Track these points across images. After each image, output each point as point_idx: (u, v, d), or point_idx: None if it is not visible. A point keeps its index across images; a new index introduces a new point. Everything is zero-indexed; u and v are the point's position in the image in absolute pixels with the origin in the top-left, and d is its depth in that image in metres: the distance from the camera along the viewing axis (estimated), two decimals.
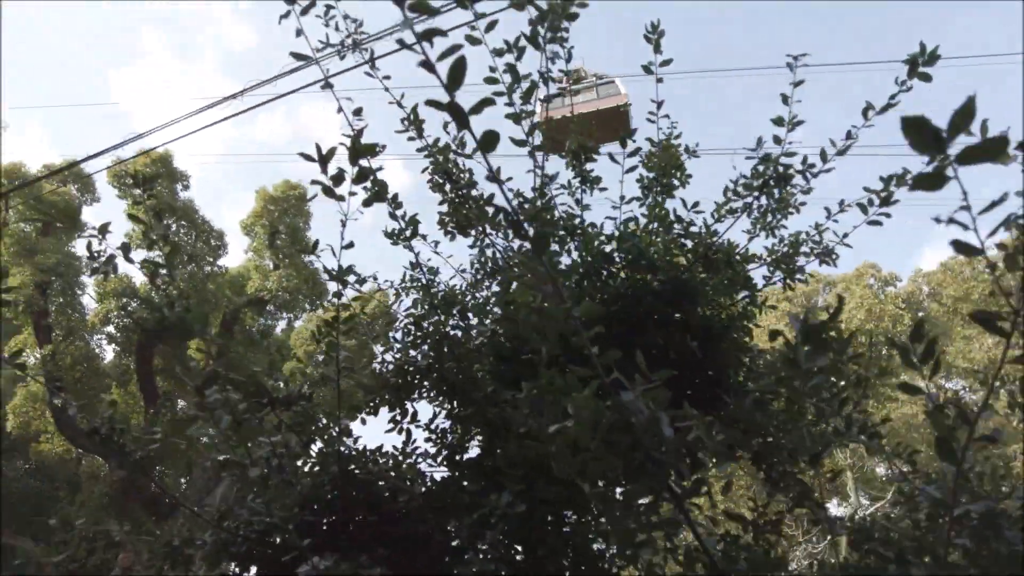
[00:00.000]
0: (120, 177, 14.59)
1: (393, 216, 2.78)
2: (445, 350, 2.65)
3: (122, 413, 17.46)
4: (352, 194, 1.93)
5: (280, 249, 15.56)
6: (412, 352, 2.76)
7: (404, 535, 2.33)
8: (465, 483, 2.54)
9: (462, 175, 2.71)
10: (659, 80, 2.97)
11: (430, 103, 1.14)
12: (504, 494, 2.15)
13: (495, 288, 2.96)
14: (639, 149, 2.94)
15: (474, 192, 2.76)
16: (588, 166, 3.00)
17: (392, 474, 2.41)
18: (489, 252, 3.04)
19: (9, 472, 17.49)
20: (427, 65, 1.05)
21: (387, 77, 2.91)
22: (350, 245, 2.24)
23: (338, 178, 1.77)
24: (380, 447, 2.69)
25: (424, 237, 2.89)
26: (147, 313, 14.86)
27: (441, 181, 2.78)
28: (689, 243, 2.77)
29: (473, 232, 2.91)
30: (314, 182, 1.81)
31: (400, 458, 2.60)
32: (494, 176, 1.23)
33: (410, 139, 2.88)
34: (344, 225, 2.13)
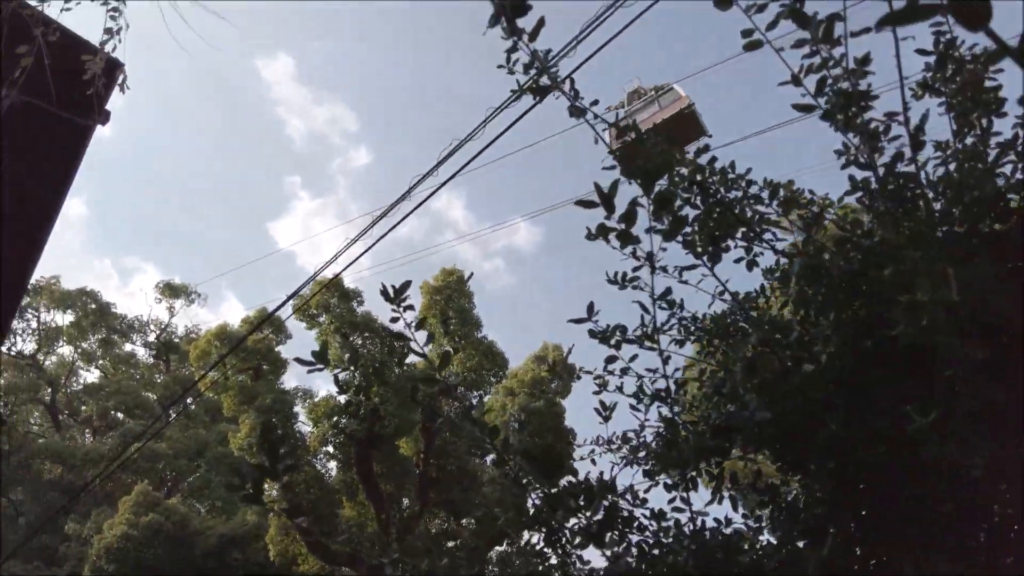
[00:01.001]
0: (304, 311, 16.08)
1: (689, 244, 2.42)
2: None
3: (358, 523, 18.68)
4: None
5: (455, 333, 16.16)
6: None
7: None
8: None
9: (709, 181, 2.44)
10: None
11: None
12: None
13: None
14: None
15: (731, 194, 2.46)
16: None
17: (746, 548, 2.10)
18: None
19: None
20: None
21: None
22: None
23: (630, 216, 1.57)
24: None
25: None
26: (357, 426, 15.93)
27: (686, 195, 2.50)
28: None
29: (734, 240, 2.58)
30: (601, 230, 1.62)
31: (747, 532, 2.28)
32: None
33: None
34: (653, 263, 1.92)
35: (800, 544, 2.44)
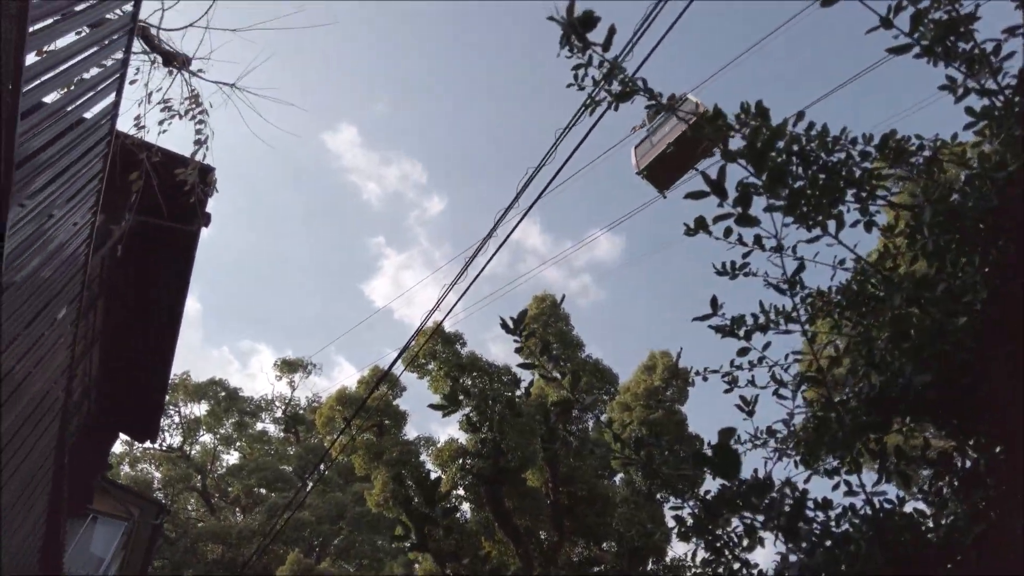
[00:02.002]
0: (413, 363, 16.57)
1: (802, 217, 2.27)
2: None
3: (500, 561, 18.76)
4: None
5: (559, 358, 16.12)
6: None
7: None
8: None
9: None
10: None
11: None
12: None
13: None
14: None
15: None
16: None
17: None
18: None
19: None
20: None
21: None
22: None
23: (746, 199, 1.52)
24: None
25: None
26: (483, 464, 16.12)
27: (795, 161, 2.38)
28: None
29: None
30: (699, 223, 1.58)
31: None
32: None
33: None
34: (780, 242, 1.85)
35: (992, 514, 2.22)
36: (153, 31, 7.28)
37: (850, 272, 2.90)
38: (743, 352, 2.58)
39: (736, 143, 2.48)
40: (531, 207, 5.29)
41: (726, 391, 3.06)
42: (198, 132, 7.70)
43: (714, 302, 2.45)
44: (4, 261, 4.15)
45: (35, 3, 3.30)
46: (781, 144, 2.44)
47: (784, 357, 3.01)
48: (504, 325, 2.26)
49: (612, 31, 1.88)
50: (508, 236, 6.22)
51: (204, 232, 9.82)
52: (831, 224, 2.22)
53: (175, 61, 7.51)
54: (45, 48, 3.78)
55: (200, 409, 37.45)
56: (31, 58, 3.47)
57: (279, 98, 9.32)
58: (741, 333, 2.54)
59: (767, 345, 2.61)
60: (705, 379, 3.36)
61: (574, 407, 16.93)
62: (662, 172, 12.08)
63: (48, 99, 4.23)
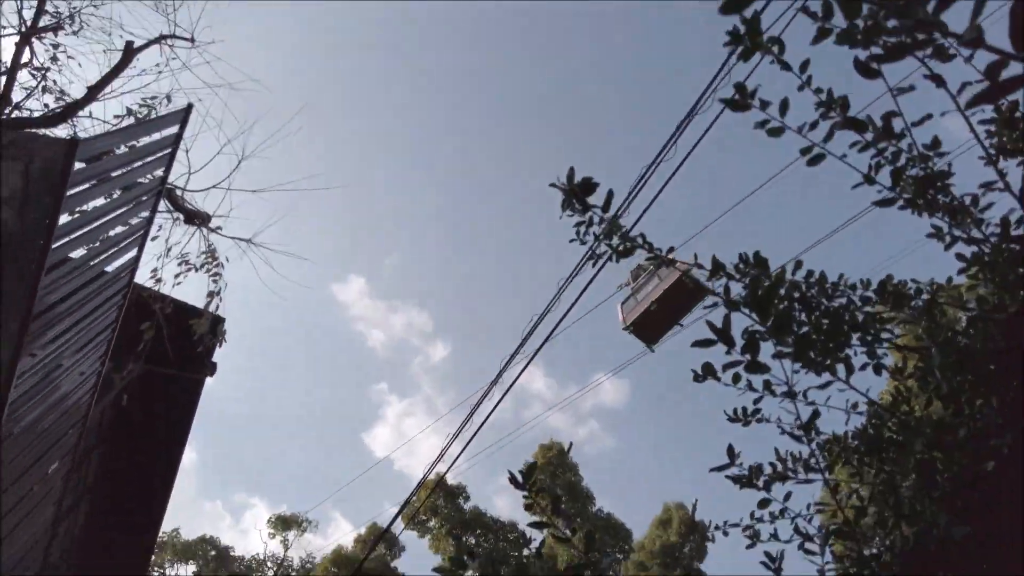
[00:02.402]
0: (413, 519, 15.74)
1: (810, 362, 2.30)
2: None
3: None
4: None
5: (568, 510, 15.30)
6: None
7: None
8: None
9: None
10: None
11: None
12: None
13: None
14: None
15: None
16: None
17: None
18: None
19: None
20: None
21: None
22: None
23: (753, 346, 1.53)
24: None
25: None
26: None
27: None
28: None
29: None
30: (707, 369, 1.58)
31: None
32: None
33: None
34: (792, 389, 1.83)
35: None
36: (178, 192, 7.79)
37: (864, 416, 2.84)
38: (764, 504, 2.45)
39: (734, 287, 2.55)
40: (536, 353, 5.33)
41: (748, 546, 2.87)
42: (214, 283, 7.96)
43: (731, 451, 2.38)
44: (5, 412, 4.11)
45: (77, 169, 3.57)
46: (782, 291, 2.51)
47: (806, 507, 2.86)
48: (513, 480, 2.17)
49: (610, 195, 2.02)
50: (513, 382, 6.18)
51: (208, 380, 9.79)
52: (840, 368, 2.21)
53: (196, 219, 7.95)
54: (79, 208, 4.02)
55: (187, 571, 34.98)
56: (64, 217, 3.68)
57: (293, 253, 9.72)
58: (760, 483, 2.43)
59: (788, 496, 2.49)
60: (725, 534, 3.17)
61: (589, 571, 15.75)
62: (648, 327, 12.70)
63: (74, 254, 4.42)
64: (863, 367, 2.73)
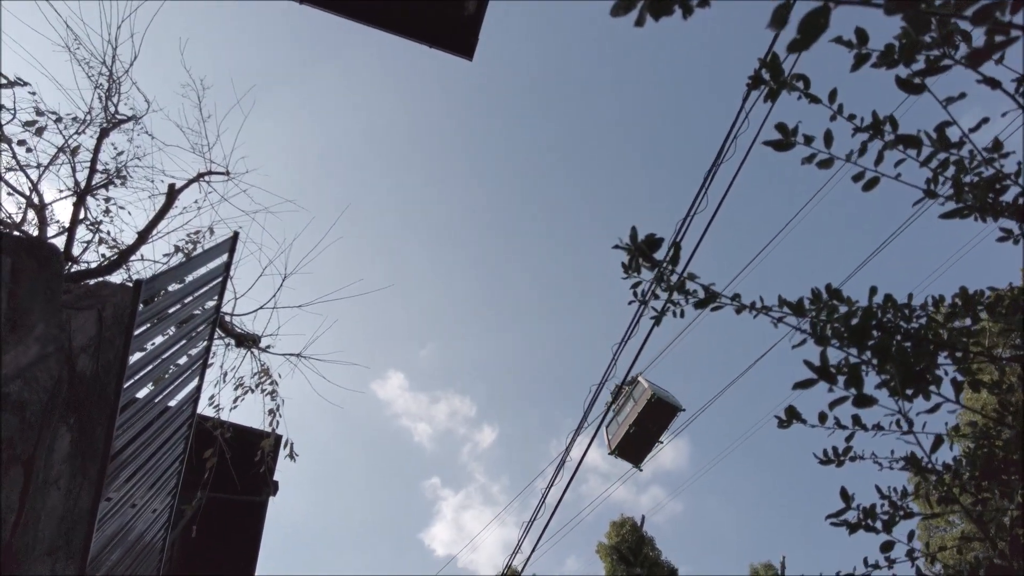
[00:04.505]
0: None
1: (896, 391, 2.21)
2: None
3: None
4: None
5: None
6: None
7: None
8: None
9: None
10: None
11: None
12: None
13: None
14: None
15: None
16: None
17: None
18: None
19: None
20: None
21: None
22: None
23: (857, 379, 1.48)
24: None
25: None
26: None
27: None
28: None
29: None
30: (791, 413, 1.52)
31: None
32: None
33: None
34: (908, 419, 1.75)
35: None
36: (227, 317, 8.05)
37: (971, 440, 2.68)
38: (887, 547, 2.28)
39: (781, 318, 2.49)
40: (601, 423, 5.18)
41: None
42: (272, 401, 8.07)
43: (844, 494, 2.24)
44: (88, 565, 4.12)
45: (140, 311, 3.72)
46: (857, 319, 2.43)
47: (925, 546, 2.66)
48: (623, 558, 2.08)
49: (677, 247, 2.03)
50: (581, 460, 6.01)
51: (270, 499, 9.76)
52: (945, 388, 2.10)
53: (247, 342, 8.17)
54: (144, 347, 4.16)
55: None
56: (132, 357, 3.81)
57: (342, 360, 9.85)
58: (879, 526, 2.27)
59: (912, 534, 2.32)
60: None
61: None
62: (631, 448, 13.33)
63: (140, 393, 4.54)
64: (960, 383, 2.60)
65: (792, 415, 2.56)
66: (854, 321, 1.85)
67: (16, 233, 6.64)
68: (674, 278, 2.41)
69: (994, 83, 1.47)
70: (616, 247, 1.97)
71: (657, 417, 12.96)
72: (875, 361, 1.74)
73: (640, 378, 13.75)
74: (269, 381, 8.11)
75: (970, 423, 2.56)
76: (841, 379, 1.73)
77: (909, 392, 1.84)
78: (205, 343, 5.61)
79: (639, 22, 1.03)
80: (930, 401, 1.91)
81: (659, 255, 2.43)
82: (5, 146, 5.93)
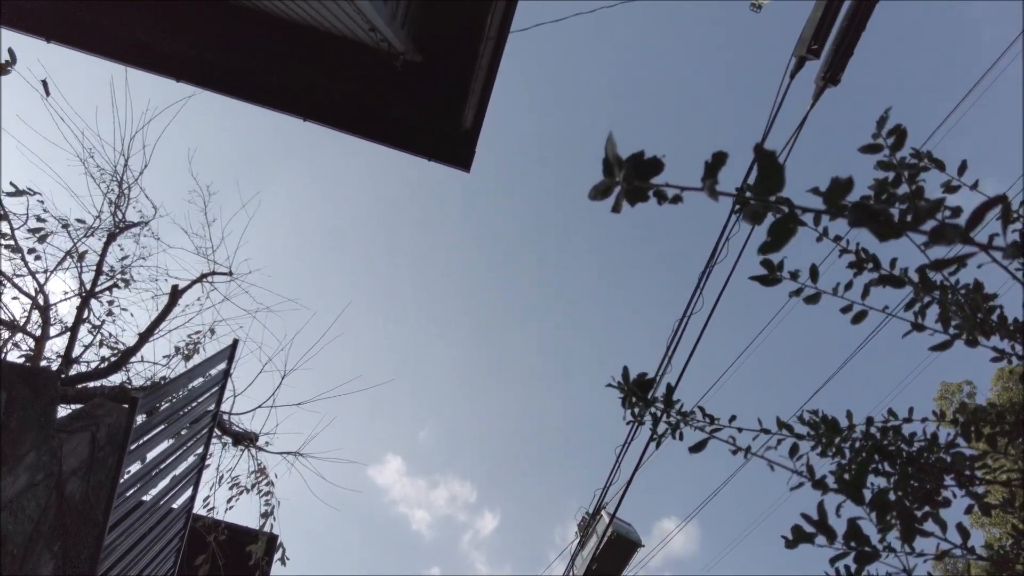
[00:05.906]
0: None
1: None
2: None
3: None
4: None
5: None
6: None
7: None
8: None
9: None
10: None
11: None
12: None
13: None
14: None
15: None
16: None
17: None
18: None
19: None
20: None
21: None
22: None
23: (856, 535, 1.44)
24: None
25: None
26: None
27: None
28: None
29: None
30: (798, 533, 1.47)
31: None
32: None
33: None
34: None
35: None
36: (225, 416, 7.96)
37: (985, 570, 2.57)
38: None
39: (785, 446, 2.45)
40: (606, 532, 5.00)
41: None
42: (266, 503, 7.85)
43: None
44: None
45: (137, 425, 3.69)
46: (857, 442, 2.39)
47: None
48: None
49: (671, 389, 2.04)
50: (595, 550, 5.74)
51: None
52: (939, 525, 2.03)
53: (244, 440, 8.04)
54: (139, 459, 4.10)
55: None
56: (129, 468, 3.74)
57: (338, 458, 9.65)
58: None
59: None
60: None
61: None
62: (610, 558, 13.68)
63: (135, 498, 4.43)
64: (968, 509, 2.52)
65: (799, 536, 2.48)
66: (853, 449, 1.81)
67: (18, 335, 6.68)
68: (672, 403, 2.39)
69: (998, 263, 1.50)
70: (609, 386, 1.98)
71: (618, 551, 13.27)
72: (874, 515, 1.70)
73: (603, 512, 14.23)
74: (266, 481, 7.92)
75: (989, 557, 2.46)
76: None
77: (912, 543, 1.79)
78: (202, 449, 5.52)
79: (615, 208, 1.06)
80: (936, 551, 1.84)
81: (671, 397, 2.43)
82: (13, 253, 6.07)
